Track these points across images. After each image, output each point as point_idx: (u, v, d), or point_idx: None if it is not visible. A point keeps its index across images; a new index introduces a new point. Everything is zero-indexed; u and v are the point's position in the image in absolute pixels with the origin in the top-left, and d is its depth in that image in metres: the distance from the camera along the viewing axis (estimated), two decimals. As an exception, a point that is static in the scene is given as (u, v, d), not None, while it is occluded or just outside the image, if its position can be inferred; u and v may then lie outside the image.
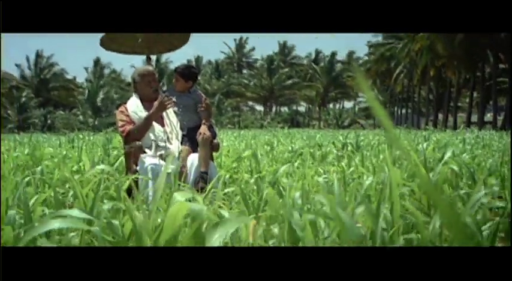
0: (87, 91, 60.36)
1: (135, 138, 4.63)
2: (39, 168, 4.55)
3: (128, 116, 4.75)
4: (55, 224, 1.73)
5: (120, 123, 4.74)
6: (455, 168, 3.86)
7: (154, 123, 4.69)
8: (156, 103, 4.59)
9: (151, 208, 1.84)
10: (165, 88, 5.34)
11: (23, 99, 56.44)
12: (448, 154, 3.63)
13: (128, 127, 4.66)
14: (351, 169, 4.84)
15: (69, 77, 74.62)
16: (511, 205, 3.19)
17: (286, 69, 79.39)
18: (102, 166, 3.29)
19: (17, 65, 69.46)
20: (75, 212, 1.88)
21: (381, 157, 6.02)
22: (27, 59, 69.28)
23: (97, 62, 73.20)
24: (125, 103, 4.92)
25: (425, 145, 4.61)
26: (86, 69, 74.25)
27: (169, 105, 4.64)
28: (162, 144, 4.64)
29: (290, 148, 8.45)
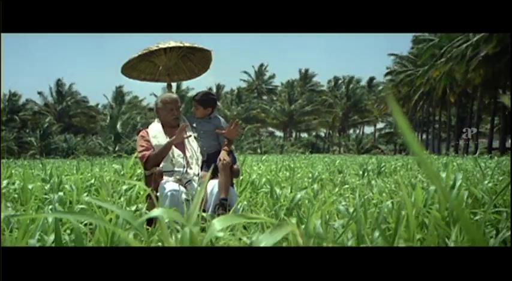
0: (108, 117, 60.77)
1: (153, 164, 4.66)
2: (58, 194, 4.57)
3: (148, 141, 4.78)
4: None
5: (140, 149, 4.76)
6: (464, 194, 3.82)
7: (174, 148, 4.72)
8: (176, 132, 4.62)
9: (184, 235, 1.81)
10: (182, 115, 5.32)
11: (45, 125, 56.91)
12: (459, 181, 3.60)
13: (148, 153, 4.69)
14: (370, 194, 4.80)
15: (91, 103, 75.31)
16: (511, 203, 3.18)
17: (306, 95, 79.45)
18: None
19: (39, 93, 70.25)
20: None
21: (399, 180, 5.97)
22: (50, 88, 70.08)
23: (119, 88, 73.88)
24: (146, 128, 4.96)
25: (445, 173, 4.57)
26: (106, 96, 75.14)
27: (186, 136, 4.68)
28: (181, 169, 4.65)
29: (310, 175, 8.41)
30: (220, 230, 1.65)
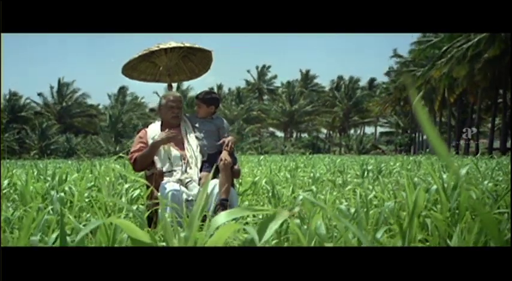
0: (108, 117, 60.81)
1: (141, 166, 4.68)
2: (59, 195, 4.56)
3: (144, 142, 4.79)
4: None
5: (131, 149, 4.79)
6: (474, 195, 3.81)
7: (173, 148, 4.72)
8: (163, 134, 4.64)
9: (187, 235, 1.79)
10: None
11: (45, 125, 56.89)
12: (462, 179, 3.60)
13: (135, 155, 4.71)
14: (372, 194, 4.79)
15: (91, 103, 75.34)
16: (511, 204, 3.17)
17: (307, 96, 79.38)
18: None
19: (39, 94, 70.17)
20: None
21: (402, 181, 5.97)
22: (51, 88, 69.90)
23: (121, 88, 73.95)
24: (146, 127, 4.97)
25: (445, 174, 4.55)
26: (110, 96, 75.12)
27: (172, 139, 4.68)
28: (181, 169, 4.64)
29: (312, 175, 8.40)
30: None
